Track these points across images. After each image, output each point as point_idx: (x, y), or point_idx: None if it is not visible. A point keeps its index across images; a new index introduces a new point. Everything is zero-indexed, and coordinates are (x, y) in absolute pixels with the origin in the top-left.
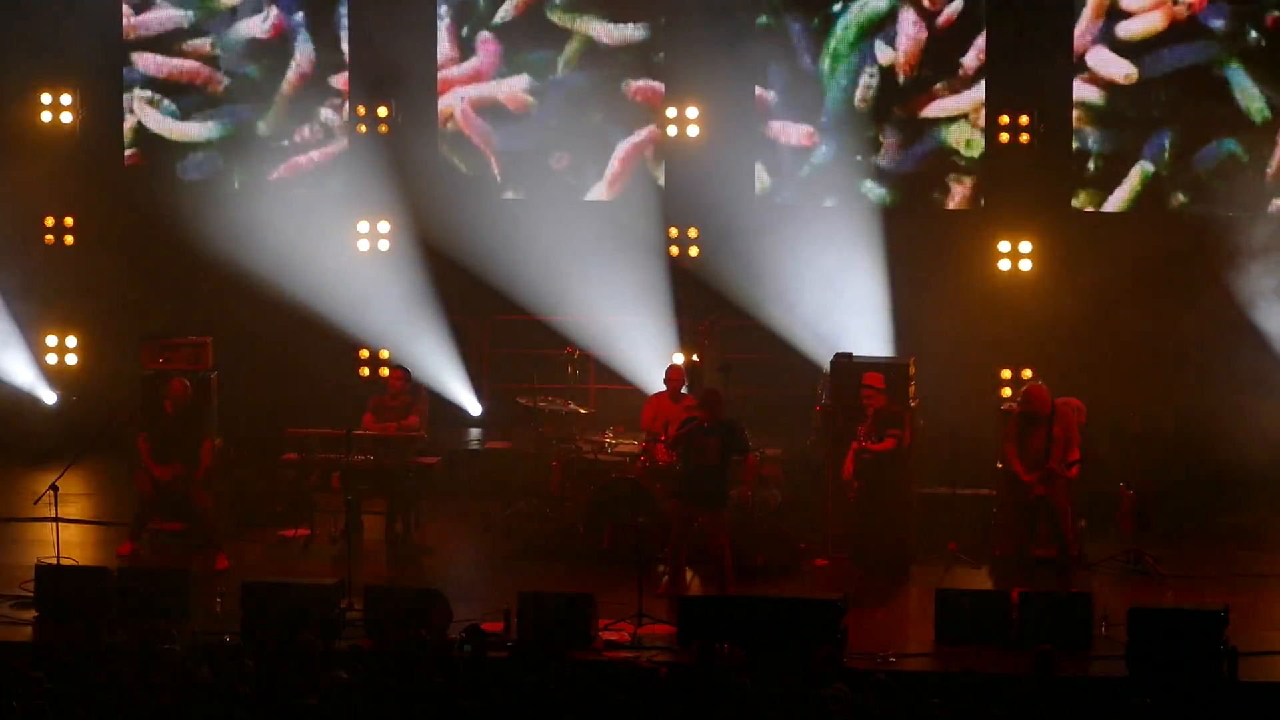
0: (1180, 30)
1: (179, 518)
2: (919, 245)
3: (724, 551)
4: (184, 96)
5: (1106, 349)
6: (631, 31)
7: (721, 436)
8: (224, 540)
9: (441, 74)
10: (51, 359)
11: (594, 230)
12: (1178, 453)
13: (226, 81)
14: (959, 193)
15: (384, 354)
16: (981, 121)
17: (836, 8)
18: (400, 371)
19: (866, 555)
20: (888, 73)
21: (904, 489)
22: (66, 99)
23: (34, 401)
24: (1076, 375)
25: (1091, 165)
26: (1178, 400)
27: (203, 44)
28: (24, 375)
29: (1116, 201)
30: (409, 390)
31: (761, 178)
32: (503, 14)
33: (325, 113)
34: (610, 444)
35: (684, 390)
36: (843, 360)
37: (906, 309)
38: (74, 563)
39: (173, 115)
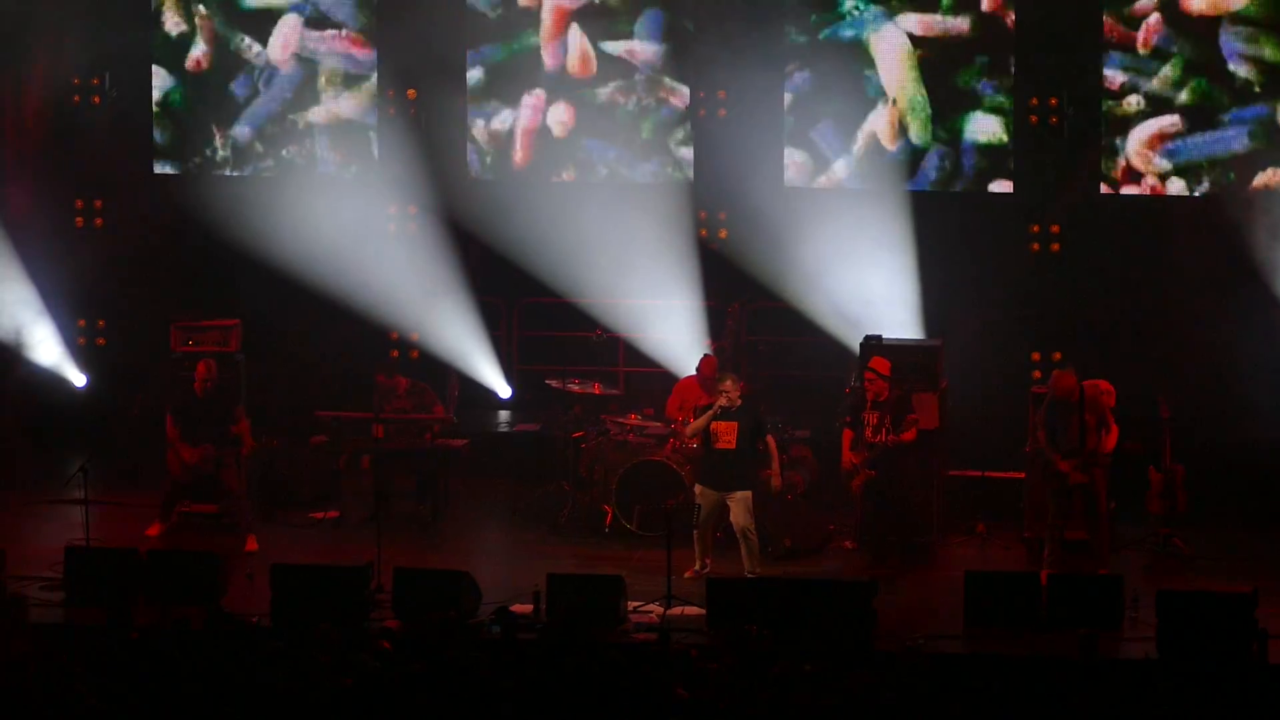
0: None
1: (208, 500)
2: (949, 227)
3: (749, 536)
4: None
5: (1136, 331)
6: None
7: (740, 420)
8: (253, 522)
9: None
10: (81, 342)
11: (623, 212)
12: (1207, 435)
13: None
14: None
15: (414, 336)
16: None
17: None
18: (380, 375)
19: (881, 543)
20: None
21: (927, 474)
22: (97, 83)
23: (64, 383)
24: (1106, 358)
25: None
26: (1207, 382)
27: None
28: (54, 357)
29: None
30: (415, 391)
31: (790, 160)
32: None
33: (355, 95)
34: (639, 426)
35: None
36: (872, 342)
37: (936, 291)
38: (103, 544)
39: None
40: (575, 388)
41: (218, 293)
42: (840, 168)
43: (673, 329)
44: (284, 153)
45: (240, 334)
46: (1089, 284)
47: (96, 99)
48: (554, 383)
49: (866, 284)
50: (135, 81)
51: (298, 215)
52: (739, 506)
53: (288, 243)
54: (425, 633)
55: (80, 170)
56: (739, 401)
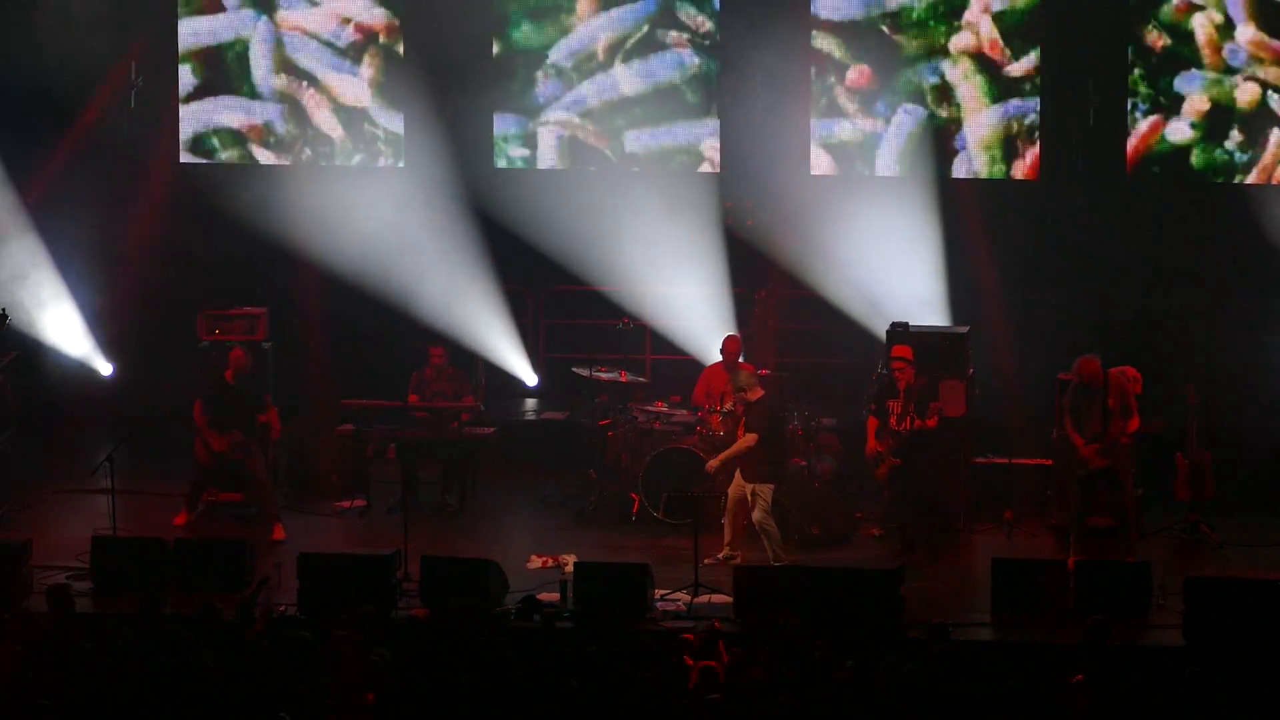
0: None
1: (236, 489)
2: (975, 212)
3: (767, 528)
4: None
5: (1165, 318)
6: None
7: (753, 418)
8: (280, 511)
9: None
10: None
11: (650, 200)
12: (1235, 422)
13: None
14: (1025, 159)
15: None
16: None
17: None
18: (441, 349)
19: (908, 531)
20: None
21: (953, 461)
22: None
23: (91, 373)
24: (1133, 345)
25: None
26: (1236, 369)
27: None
28: (81, 347)
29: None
30: (455, 374)
31: (817, 148)
32: None
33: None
34: (665, 414)
35: (740, 360)
36: (899, 329)
37: (963, 277)
38: (130, 534)
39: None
40: (602, 376)
41: (246, 281)
42: (868, 154)
43: (699, 316)
44: (312, 146)
45: (267, 322)
46: (1117, 270)
47: (125, 89)
48: (581, 371)
49: (894, 269)
50: (162, 70)
51: (326, 205)
52: (755, 500)
53: (316, 232)
54: (453, 621)
55: (108, 159)
56: (752, 398)
